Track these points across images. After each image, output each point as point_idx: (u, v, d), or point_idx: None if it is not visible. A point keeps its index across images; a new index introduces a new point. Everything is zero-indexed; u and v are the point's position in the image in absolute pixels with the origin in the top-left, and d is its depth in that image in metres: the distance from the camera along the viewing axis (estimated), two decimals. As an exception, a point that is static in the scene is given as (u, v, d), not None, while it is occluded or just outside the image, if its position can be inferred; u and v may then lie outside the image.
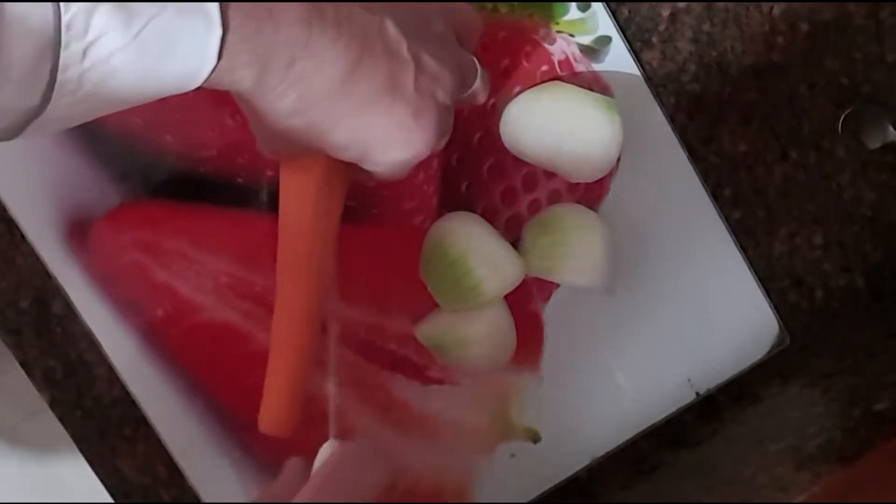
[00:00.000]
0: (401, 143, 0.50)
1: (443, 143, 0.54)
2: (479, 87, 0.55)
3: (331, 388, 0.56)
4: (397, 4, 0.49)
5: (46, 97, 0.39)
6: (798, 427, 0.62)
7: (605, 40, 0.64)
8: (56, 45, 0.38)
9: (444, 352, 0.63)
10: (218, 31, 0.41)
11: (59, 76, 0.39)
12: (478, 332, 0.61)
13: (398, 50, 0.48)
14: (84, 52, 0.39)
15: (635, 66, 0.65)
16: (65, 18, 0.38)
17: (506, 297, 0.62)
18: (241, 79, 0.44)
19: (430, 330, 0.63)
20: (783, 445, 0.60)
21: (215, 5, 0.41)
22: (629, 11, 0.65)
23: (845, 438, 0.57)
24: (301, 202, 0.53)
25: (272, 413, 0.53)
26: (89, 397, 0.63)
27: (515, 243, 0.64)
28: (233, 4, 0.42)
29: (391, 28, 0.47)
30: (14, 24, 0.38)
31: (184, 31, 0.40)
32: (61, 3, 0.38)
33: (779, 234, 0.68)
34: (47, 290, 0.62)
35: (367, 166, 0.52)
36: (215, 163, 0.61)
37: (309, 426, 0.56)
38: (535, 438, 0.66)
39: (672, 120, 0.66)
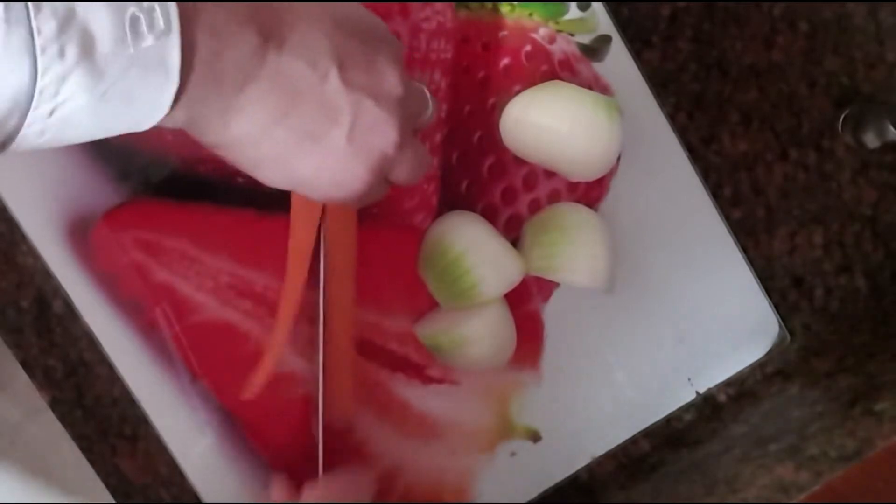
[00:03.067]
0: (329, 187, 0.49)
1: (411, 180, 0.53)
2: (427, 117, 0.54)
3: (319, 427, 0.59)
4: (350, 53, 0.47)
5: (5, 145, 0.40)
6: (798, 427, 0.62)
7: (605, 40, 0.64)
8: (26, 107, 0.39)
9: (443, 351, 0.63)
10: (174, 86, 0.42)
11: (23, 130, 0.39)
12: (477, 331, 0.61)
13: (335, 101, 0.47)
14: (51, 112, 0.39)
15: (635, 66, 0.65)
16: (39, 84, 0.38)
17: (506, 296, 0.62)
18: (175, 123, 0.44)
19: (429, 329, 0.63)
20: (783, 445, 0.60)
21: (176, 61, 0.41)
22: (629, 11, 0.65)
23: (845, 438, 0.57)
24: (310, 201, 0.54)
25: (339, 408, 0.57)
26: (89, 397, 0.63)
27: (515, 242, 0.64)
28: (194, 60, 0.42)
29: (334, 80, 0.46)
30: None
31: (144, 88, 0.41)
32: (38, 71, 0.38)
33: (779, 234, 0.68)
34: (47, 289, 0.62)
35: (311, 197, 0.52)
36: (215, 163, 0.61)
37: (304, 426, 0.56)
38: (535, 438, 0.66)
39: (672, 120, 0.66)
